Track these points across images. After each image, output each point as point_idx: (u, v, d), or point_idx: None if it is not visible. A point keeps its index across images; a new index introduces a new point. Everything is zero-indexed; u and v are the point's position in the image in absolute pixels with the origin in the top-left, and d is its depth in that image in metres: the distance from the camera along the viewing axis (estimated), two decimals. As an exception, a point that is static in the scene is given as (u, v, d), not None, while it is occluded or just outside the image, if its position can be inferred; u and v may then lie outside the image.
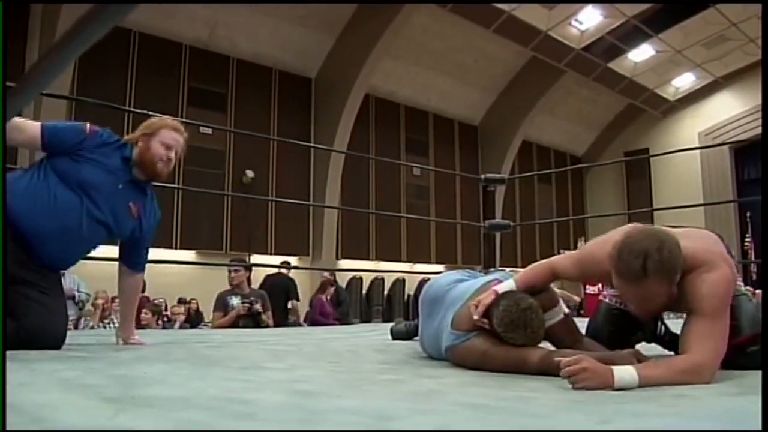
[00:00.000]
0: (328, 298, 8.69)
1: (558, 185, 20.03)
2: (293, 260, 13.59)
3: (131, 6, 0.84)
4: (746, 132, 17.55)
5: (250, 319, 5.45)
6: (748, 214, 16.94)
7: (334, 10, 13.05)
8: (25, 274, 2.48)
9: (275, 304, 7.50)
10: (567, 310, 2.28)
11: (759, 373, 1.93)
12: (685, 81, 18.31)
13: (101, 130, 2.73)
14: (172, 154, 2.80)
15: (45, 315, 2.47)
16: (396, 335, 3.35)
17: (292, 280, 8.03)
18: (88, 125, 2.70)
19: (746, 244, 16.76)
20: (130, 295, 3.00)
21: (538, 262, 2.40)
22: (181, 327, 7.86)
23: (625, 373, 1.74)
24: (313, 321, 8.14)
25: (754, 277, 15.71)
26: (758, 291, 10.21)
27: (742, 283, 2.24)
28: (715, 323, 1.94)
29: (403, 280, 13.98)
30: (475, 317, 2.15)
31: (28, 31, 10.09)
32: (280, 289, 7.60)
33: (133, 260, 2.93)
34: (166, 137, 2.79)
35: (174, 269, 10.15)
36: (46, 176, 2.55)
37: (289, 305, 7.77)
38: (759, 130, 17.04)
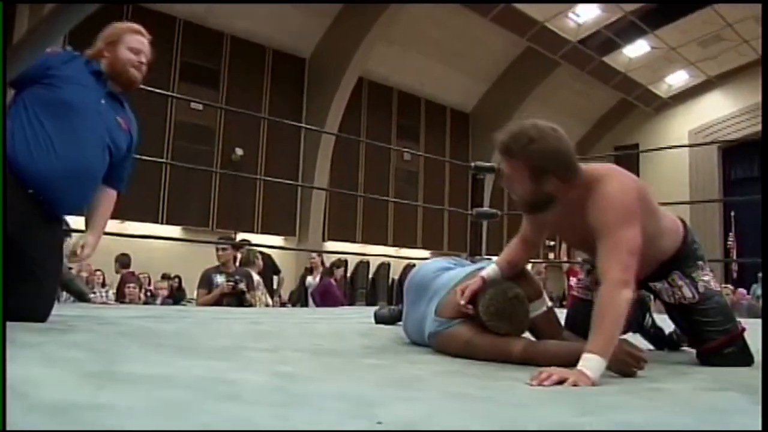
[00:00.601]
0: (337, 279, 8.57)
1: (547, 177, 20.06)
2: (279, 240, 13.59)
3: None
4: (736, 132, 17.69)
5: (234, 298, 5.44)
6: (732, 213, 17.08)
7: (332, -9, 12.98)
8: (31, 233, 2.33)
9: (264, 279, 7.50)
10: (550, 303, 2.30)
11: (733, 369, 1.96)
12: (678, 79, 18.36)
13: (61, 50, 2.57)
14: (142, 58, 2.60)
15: (36, 295, 2.34)
16: (379, 319, 3.34)
17: (269, 256, 7.99)
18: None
19: (729, 242, 16.92)
20: (105, 208, 2.69)
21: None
22: (163, 303, 7.84)
23: (590, 363, 1.70)
24: (321, 304, 7.73)
25: (735, 275, 15.89)
26: (740, 290, 10.35)
27: (711, 280, 2.23)
28: (618, 237, 1.87)
29: (388, 264, 13.98)
30: (462, 302, 2.15)
31: (16, 7, 9.95)
32: (264, 266, 7.58)
33: (117, 177, 2.69)
34: (132, 42, 2.58)
35: (160, 244, 10.12)
36: (28, 110, 2.34)
37: (275, 280, 7.74)
38: (748, 131, 17.19)
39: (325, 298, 7.85)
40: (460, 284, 2.25)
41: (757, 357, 2.12)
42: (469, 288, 2.17)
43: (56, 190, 2.36)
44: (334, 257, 10.28)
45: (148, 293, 8.40)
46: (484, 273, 2.26)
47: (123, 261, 7.82)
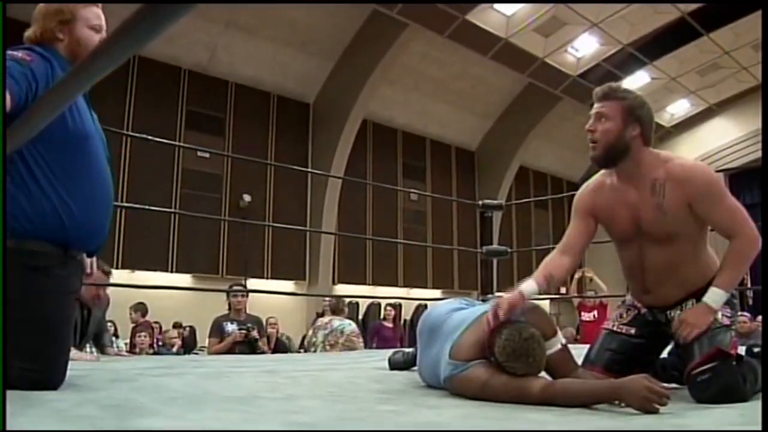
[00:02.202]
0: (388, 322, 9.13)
1: (554, 211, 20.04)
2: (290, 285, 13.55)
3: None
4: (741, 158, 17.66)
5: (247, 346, 5.40)
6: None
7: (334, 35, 13.15)
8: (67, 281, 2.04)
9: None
10: (564, 340, 2.27)
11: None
12: (679, 107, 18.42)
13: (26, 52, 2.00)
14: (104, 34, 2.14)
15: (56, 361, 1.98)
16: (394, 365, 3.25)
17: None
18: (19, 53, 1.97)
19: (743, 269, 16.76)
20: None
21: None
22: (177, 353, 7.79)
23: (717, 296, 2.14)
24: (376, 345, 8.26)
25: (751, 302, 15.71)
26: (759, 318, 10.20)
27: (721, 312, 2.19)
28: (731, 200, 2.21)
29: (400, 305, 13.92)
30: (501, 315, 2.13)
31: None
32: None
33: None
34: (91, 18, 2.14)
35: (170, 293, 10.11)
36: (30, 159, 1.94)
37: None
38: (753, 156, 17.18)
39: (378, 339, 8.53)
40: (470, 329, 2.23)
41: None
42: (508, 301, 2.16)
43: (90, 237, 2.10)
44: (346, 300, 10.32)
45: (159, 342, 8.35)
46: (522, 287, 2.26)
47: (141, 309, 7.76)
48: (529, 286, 2.29)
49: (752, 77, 16.60)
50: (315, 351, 5.90)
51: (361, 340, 6.18)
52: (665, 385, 1.93)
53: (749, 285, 16.09)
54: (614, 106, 2.24)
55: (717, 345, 2.06)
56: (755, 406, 1.87)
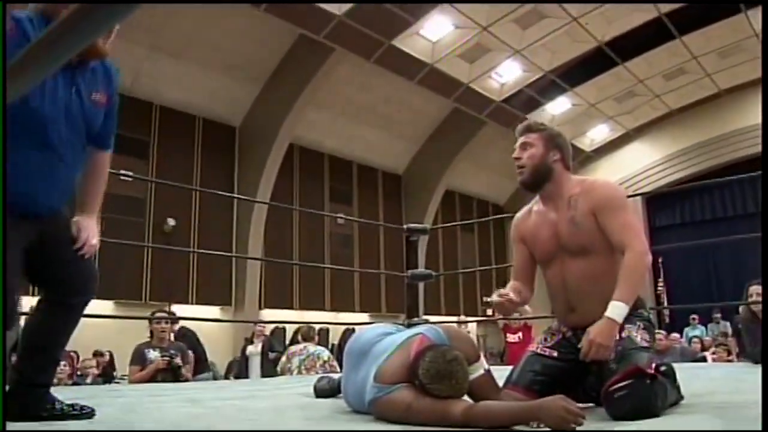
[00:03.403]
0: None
1: (480, 234, 20.36)
2: (215, 310, 13.32)
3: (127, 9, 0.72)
4: (656, 181, 18.46)
5: (170, 374, 5.27)
6: (660, 260, 17.68)
7: (261, 59, 13.11)
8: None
9: (201, 352, 7.31)
10: (487, 366, 2.31)
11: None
12: (599, 133, 19.06)
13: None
14: None
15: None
16: (320, 393, 3.17)
17: (194, 332, 7.77)
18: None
19: (659, 289, 17.44)
20: (97, 175, 2.40)
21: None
22: (93, 381, 7.52)
23: (618, 309, 2.22)
24: None
25: (667, 320, 16.33)
26: (674, 334, 10.58)
27: (639, 335, 2.29)
28: (629, 215, 2.40)
29: (327, 329, 13.85)
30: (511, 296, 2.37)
31: None
32: (196, 339, 7.42)
33: (103, 135, 2.40)
34: None
35: (89, 319, 9.76)
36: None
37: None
38: (668, 180, 18.05)
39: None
40: (397, 353, 2.25)
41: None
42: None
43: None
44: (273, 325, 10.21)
45: (78, 372, 8.06)
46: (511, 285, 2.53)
47: None
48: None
49: (664, 105, 17.39)
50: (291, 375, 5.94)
51: (336, 365, 6.20)
52: (581, 405, 1.99)
53: (666, 304, 16.82)
54: (536, 136, 2.51)
55: (634, 363, 2.14)
56: (667, 421, 1.96)
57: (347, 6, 11.86)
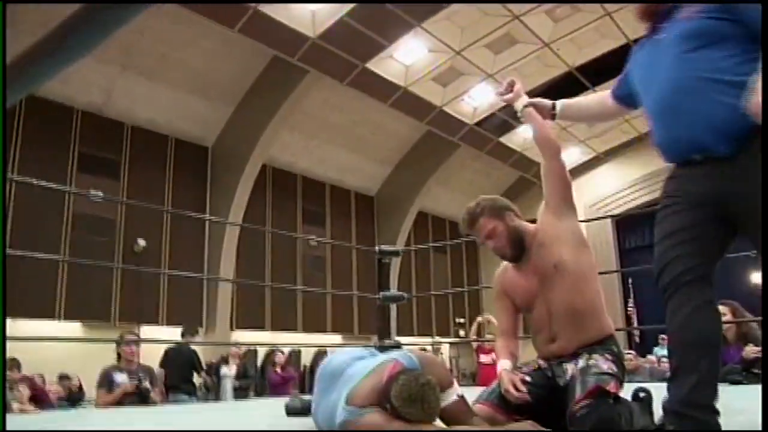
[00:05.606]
0: (278, 366, 8.82)
1: (453, 256, 20.43)
2: (185, 332, 13.16)
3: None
4: (626, 204, 18.73)
5: (137, 397, 5.18)
6: (629, 280, 17.91)
7: (235, 81, 13.11)
8: None
9: (181, 375, 7.23)
10: (461, 392, 2.31)
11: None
12: (570, 156, 19.25)
13: None
14: None
15: None
16: (291, 411, 3.24)
17: (194, 351, 7.76)
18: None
19: (629, 309, 17.65)
20: None
21: (495, 345, 2.75)
22: (58, 405, 7.36)
23: None
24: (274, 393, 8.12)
25: (637, 340, 16.52)
26: (650, 356, 10.67)
27: (606, 365, 2.31)
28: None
29: (299, 351, 13.77)
30: (514, 396, 2.31)
31: None
32: (184, 359, 7.37)
33: None
34: None
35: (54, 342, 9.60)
36: None
37: (198, 379, 7.50)
38: (637, 202, 18.37)
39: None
40: (370, 376, 2.25)
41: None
42: (511, 378, 2.36)
43: None
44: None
45: (43, 396, 7.89)
46: (503, 367, 2.47)
47: (15, 365, 7.28)
48: (506, 364, 2.49)
49: (633, 129, 17.70)
50: None
51: None
52: (549, 430, 2.00)
53: (636, 324, 17.00)
54: (485, 221, 2.56)
55: (597, 384, 2.17)
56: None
57: (322, 28, 11.94)
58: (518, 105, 2.65)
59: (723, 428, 1.78)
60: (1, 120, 0.92)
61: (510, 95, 2.65)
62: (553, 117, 2.67)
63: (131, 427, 2.80)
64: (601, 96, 2.59)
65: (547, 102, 2.67)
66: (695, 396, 1.79)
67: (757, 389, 2.03)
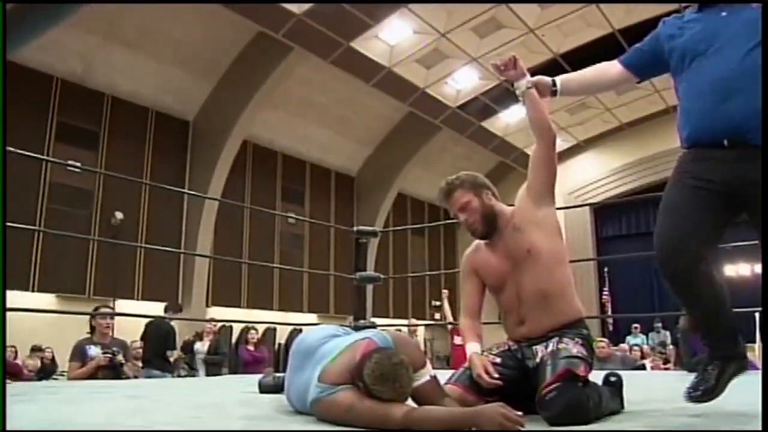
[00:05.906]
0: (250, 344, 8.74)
1: (431, 239, 20.50)
2: (161, 306, 13.11)
3: None
4: (605, 193, 18.89)
5: (111, 371, 5.16)
6: (605, 269, 18.08)
7: (218, 55, 12.99)
8: None
9: (156, 350, 7.20)
10: (433, 372, 2.33)
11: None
12: (551, 143, 19.38)
13: None
14: None
15: None
16: (264, 389, 3.25)
17: (172, 327, 7.71)
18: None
19: (604, 297, 17.82)
20: None
21: (461, 325, 2.68)
22: (29, 378, 7.31)
23: None
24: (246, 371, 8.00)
25: (611, 328, 16.71)
26: (623, 345, 10.81)
27: (576, 348, 2.33)
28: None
29: (274, 329, 13.78)
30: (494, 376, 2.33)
31: None
32: (161, 334, 7.33)
33: None
34: None
35: (28, 313, 9.51)
36: None
37: (170, 356, 7.45)
38: (616, 192, 18.52)
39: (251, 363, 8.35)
40: (344, 354, 2.26)
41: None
42: (484, 365, 2.36)
43: None
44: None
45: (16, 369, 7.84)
46: (472, 350, 2.47)
47: None
48: (475, 347, 2.49)
49: (615, 119, 17.79)
50: None
51: None
52: (520, 413, 2.02)
53: (610, 312, 17.18)
54: (461, 193, 2.57)
55: (567, 368, 2.20)
56: (601, 427, 2.01)
57: (307, 5, 11.84)
58: (521, 84, 2.58)
59: (723, 428, 1.82)
60: (1, 120, 0.92)
61: (512, 72, 2.57)
62: (554, 93, 2.62)
63: (99, 402, 2.79)
64: (601, 67, 2.57)
65: (548, 79, 2.62)
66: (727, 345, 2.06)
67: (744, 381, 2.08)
